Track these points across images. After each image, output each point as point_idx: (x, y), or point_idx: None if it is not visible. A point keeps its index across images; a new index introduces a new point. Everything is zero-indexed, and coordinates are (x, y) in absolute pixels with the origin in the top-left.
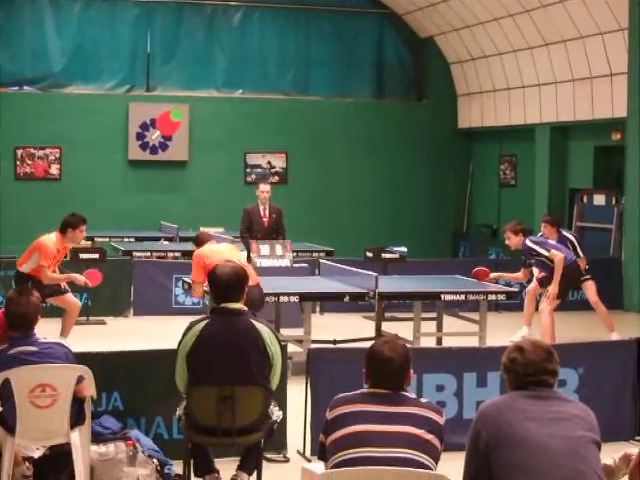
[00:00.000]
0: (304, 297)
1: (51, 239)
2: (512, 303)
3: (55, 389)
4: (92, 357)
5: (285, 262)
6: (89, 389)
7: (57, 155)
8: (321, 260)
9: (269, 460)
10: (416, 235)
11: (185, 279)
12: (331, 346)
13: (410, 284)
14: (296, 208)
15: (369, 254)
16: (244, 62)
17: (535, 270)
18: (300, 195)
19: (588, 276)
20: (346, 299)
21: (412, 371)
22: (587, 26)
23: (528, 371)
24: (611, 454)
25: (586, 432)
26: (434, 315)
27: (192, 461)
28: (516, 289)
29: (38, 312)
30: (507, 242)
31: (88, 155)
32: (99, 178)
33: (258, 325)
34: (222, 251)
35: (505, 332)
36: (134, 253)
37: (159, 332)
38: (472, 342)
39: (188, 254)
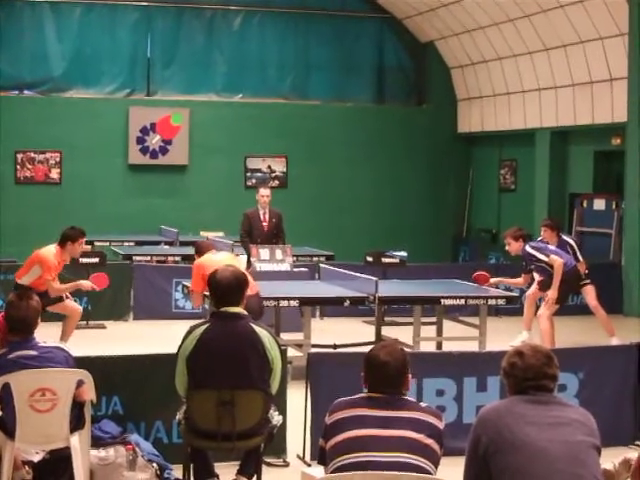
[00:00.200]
0: (304, 301)
1: (51, 252)
2: (512, 308)
3: (55, 393)
4: (92, 361)
5: (285, 266)
6: (89, 393)
7: (57, 159)
8: (321, 264)
9: (269, 464)
10: (416, 239)
11: (185, 283)
12: (331, 351)
13: (410, 289)
14: (296, 212)
15: (369, 258)
16: (244, 66)
17: (536, 275)
18: (300, 199)
19: (588, 281)
20: (346, 303)
21: (411, 376)
22: (587, 31)
23: (528, 376)
24: (611, 459)
25: (586, 437)
26: (434, 319)
27: (192, 465)
28: (516, 294)
29: (38, 316)
30: (507, 248)
31: (88, 159)
32: (99, 182)
33: (258, 329)
34: (220, 262)
35: (505, 337)
36: (134, 257)
37: (159, 336)
38: (472, 347)
39: (188, 258)
